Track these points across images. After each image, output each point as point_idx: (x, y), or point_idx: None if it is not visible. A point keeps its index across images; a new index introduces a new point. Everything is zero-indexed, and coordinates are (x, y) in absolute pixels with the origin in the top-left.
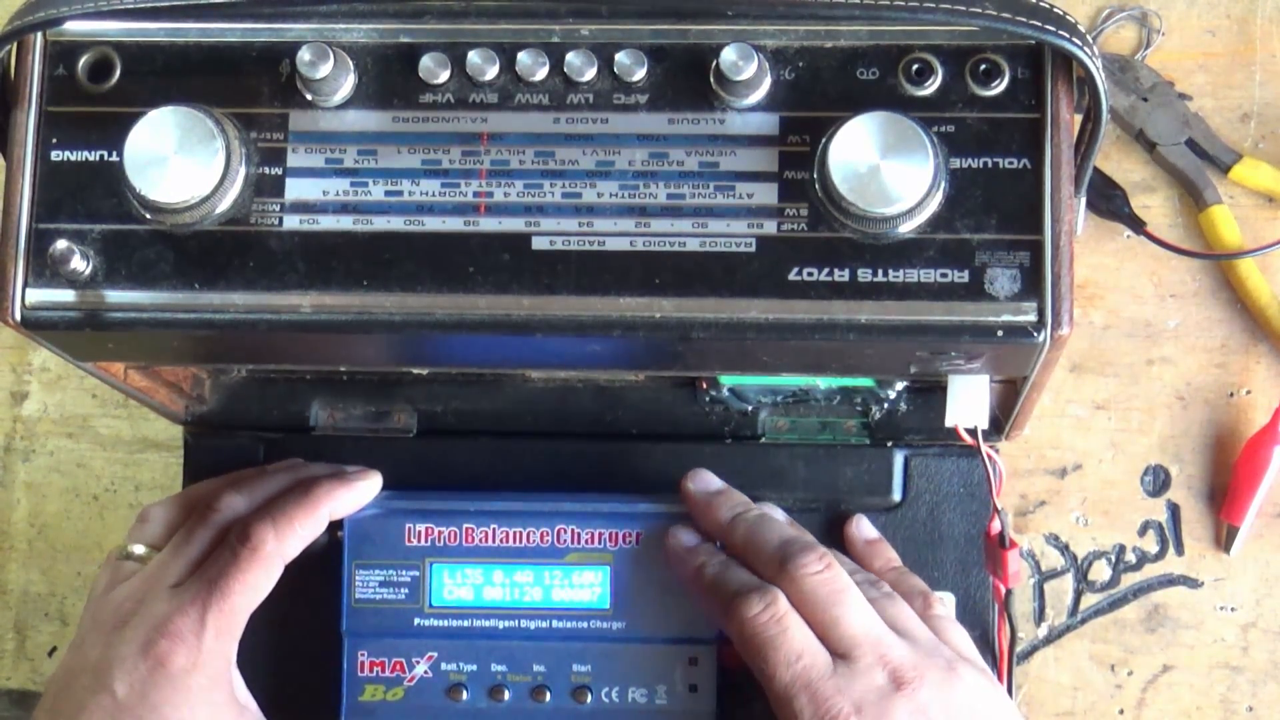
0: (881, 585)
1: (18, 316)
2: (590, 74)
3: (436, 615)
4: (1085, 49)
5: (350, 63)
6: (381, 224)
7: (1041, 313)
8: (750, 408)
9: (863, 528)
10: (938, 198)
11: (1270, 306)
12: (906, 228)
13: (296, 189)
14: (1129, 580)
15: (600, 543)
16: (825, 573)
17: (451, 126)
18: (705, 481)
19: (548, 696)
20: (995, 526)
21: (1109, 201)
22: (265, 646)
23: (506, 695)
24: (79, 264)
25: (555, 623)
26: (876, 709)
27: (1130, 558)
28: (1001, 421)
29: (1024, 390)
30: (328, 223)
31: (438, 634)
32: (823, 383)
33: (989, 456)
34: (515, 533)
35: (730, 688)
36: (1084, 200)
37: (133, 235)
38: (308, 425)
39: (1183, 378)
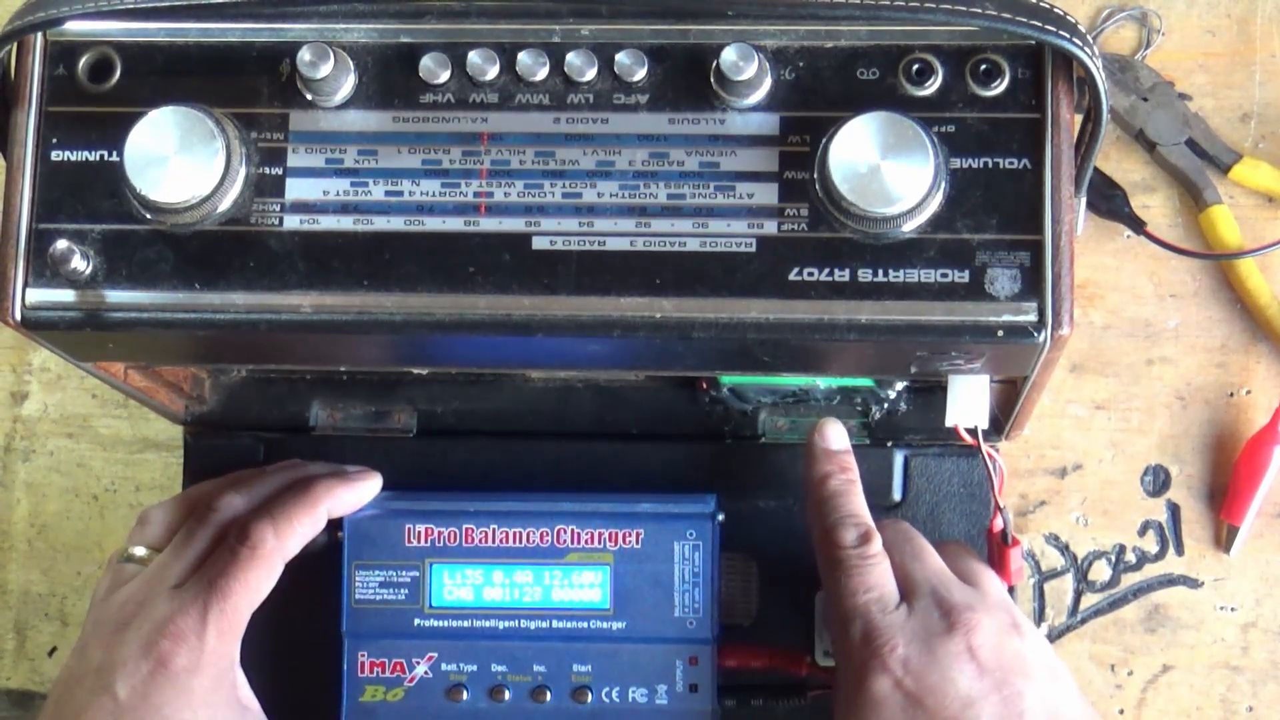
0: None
1: (18, 316)
2: (590, 74)
3: (436, 616)
4: (1085, 49)
5: (350, 63)
6: (382, 224)
7: (1042, 313)
8: (750, 408)
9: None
10: (938, 198)
11: (1270, 306)
12: (907, 228)
13: (297, 189)
14: (1129, 580)
15: (600, 543)
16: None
17: (452, 126)
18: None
19: (548, 697)
20: (997, 524)
21: (1109, 201)
22: (266, 647)
23: (507, 695)
24: (79, 264)
25: (555, 623)
26: (923, 645)
27: (1130, 558)
28: (1001, 421)
29: (1024, 390)
30: (328, 223)
31: (438, 634)
32: (823, 383)
33: (990, 455)
34: (515, 533)
35: (730, 688)
36: (1084, 200)
37: (133, 235)
38: (308, 425)
39: (1183, 378)
